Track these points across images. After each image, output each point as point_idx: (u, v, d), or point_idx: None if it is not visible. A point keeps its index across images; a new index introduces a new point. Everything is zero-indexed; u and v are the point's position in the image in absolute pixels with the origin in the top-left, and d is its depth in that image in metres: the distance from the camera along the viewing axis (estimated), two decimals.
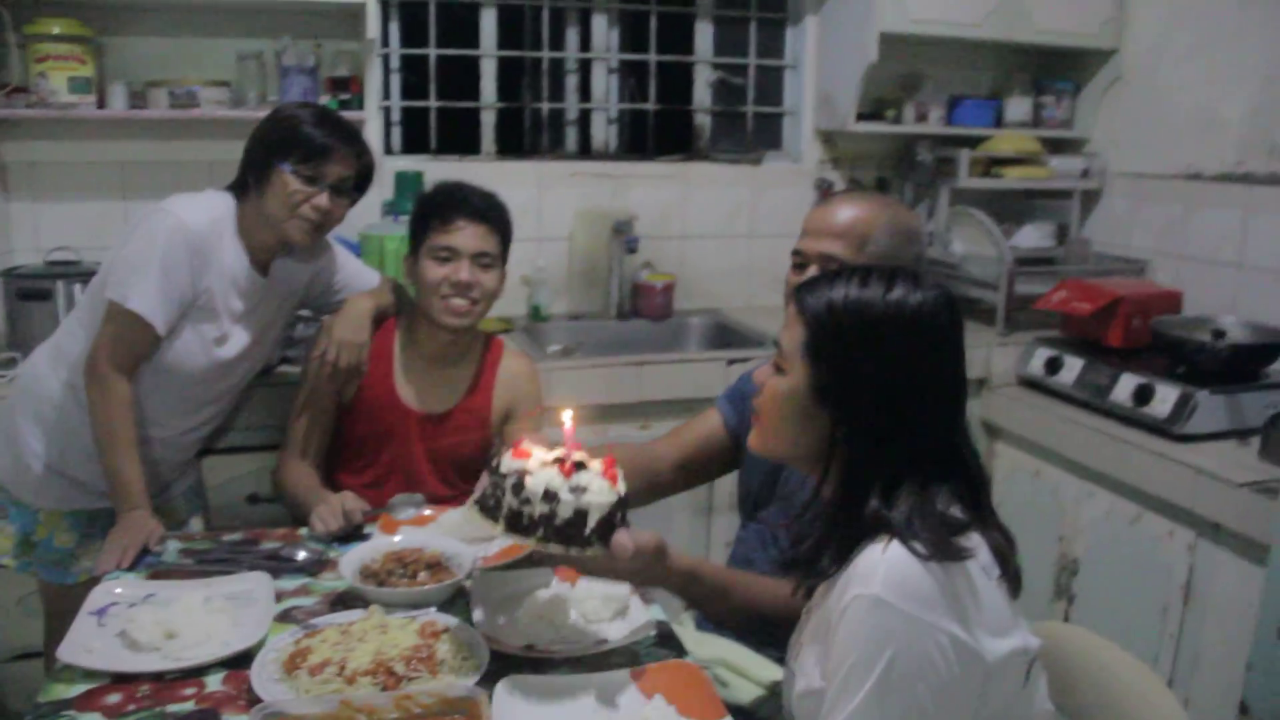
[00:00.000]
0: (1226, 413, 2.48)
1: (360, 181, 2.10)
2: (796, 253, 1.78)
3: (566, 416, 1.42)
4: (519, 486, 1.34)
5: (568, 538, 1.34)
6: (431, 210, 2.15)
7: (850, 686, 1.12)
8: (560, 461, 1.36)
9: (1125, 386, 2.63)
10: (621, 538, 1.36)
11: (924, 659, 1.11)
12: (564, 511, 1.33)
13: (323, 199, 2.02)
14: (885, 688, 1.10)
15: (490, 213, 2.15)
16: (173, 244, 1.95)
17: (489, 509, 1.38)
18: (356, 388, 2.19)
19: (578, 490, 1.33)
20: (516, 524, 1.35)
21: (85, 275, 2.57)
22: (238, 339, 2.12)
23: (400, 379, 2.21)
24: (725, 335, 3.29)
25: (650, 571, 1.41)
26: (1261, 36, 2.96)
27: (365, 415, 2.20)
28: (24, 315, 2.55)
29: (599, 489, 1.35)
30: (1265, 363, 2.64)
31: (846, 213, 1.74)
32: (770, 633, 1.57)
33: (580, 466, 1.36)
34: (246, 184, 2.06)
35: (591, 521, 1.34)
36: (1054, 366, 2.86)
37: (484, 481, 1.42)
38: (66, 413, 2.08)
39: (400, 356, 2.22)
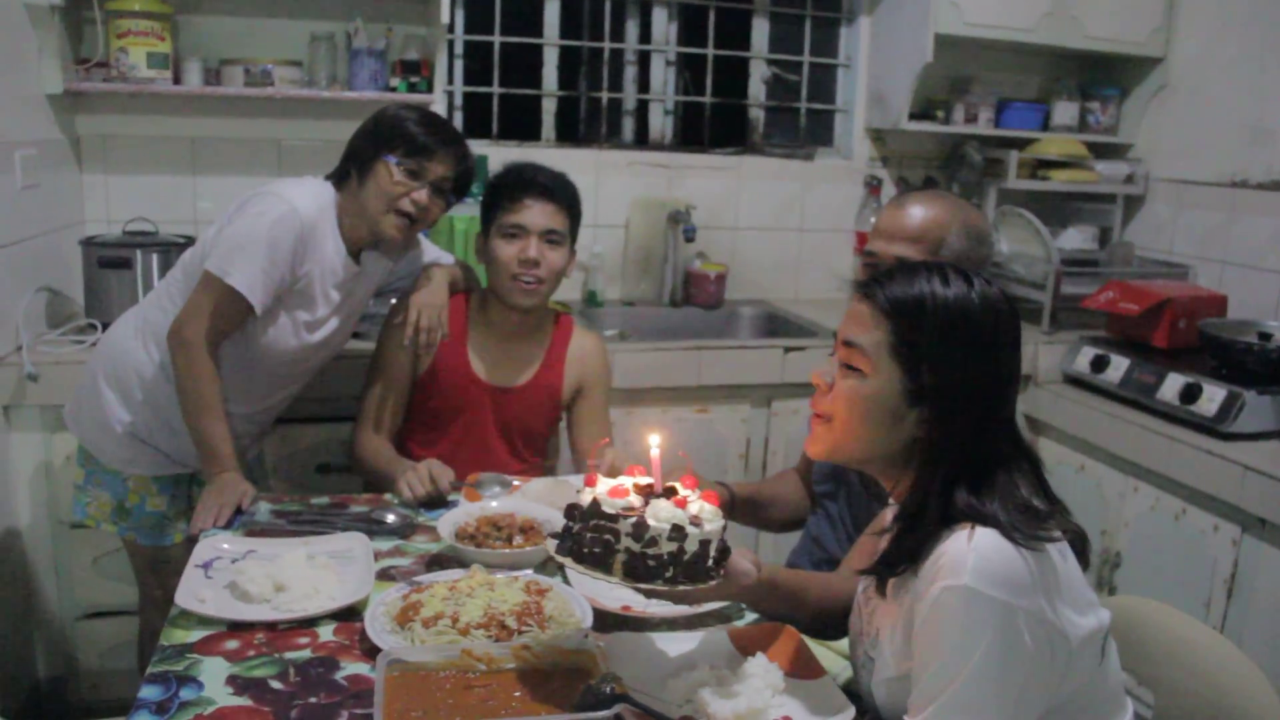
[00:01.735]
0: (1273, 413, 2.53)
1: (459, 184, 2.14)
2: (869, 253, 1.79)
3: (654, 442, 1.32)
4: (641, 527, 1.22)
5: (695, 573, 1.24)
6: (501, 189, 2.19)
7: (945, 675, 1.11)
8: (670, 493, 1.27)
9: (1172, 385, 2.68)
10: (742, 563, 1.30)
11: (1017, 645, 1.11)
12: (691, 546, 1.23)
13: (422, 194, 2.06)
14: (980, 675, 1.10)
15: (558, 191, 2.19)
16: (281, 227, 1.99)
17: (592, 558, 1.24)
18: (431, 360, 2.24)
19: (697, 521, 1.24)
20: (638, 569, 1.23)
21: (163, 245, 2.63)
22: (328, 325, 2.18)
23: (473, 353, 2.26)
24: (776, 325, 3.34)
25: (753, 591, 1.36)
26: None
27: (439, 388, 2.25)
28: (103, 283, 2.59)
29: (710, 514, 1.27)
30: None
31: (920, 215, 1.75)
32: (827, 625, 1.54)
33: (671, 491, 1.27)
34: (348, 175, 2.10)
35: (713, 550, 1.26)
36: (1100, 365, 2.91)
37: (565, 525, 1.29)
38: (156, 388, 2.12)
39: (473, 332, 2.27)
